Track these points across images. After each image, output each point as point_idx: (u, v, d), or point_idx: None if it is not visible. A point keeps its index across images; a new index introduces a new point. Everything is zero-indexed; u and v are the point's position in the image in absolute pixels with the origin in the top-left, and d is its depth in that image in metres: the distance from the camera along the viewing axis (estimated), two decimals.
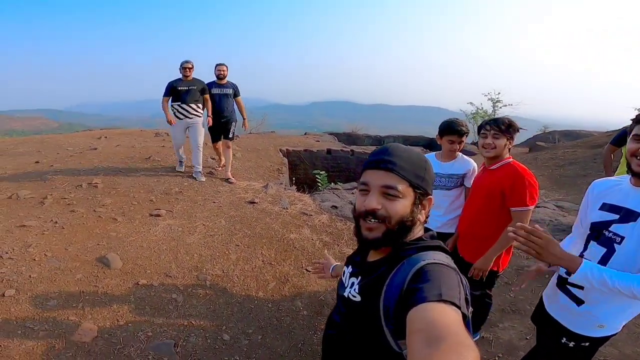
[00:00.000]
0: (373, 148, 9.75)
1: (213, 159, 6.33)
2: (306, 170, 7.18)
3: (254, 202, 4.28)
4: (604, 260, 1.37)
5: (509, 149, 2.06)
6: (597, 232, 1.41)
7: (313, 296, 2.74)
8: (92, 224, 3.45)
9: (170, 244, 3.23)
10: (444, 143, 2.37)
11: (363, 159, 7.64)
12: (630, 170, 1.33)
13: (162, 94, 4.93)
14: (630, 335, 2.40)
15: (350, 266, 1.05)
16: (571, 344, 1.48)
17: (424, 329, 0.63)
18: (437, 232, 1.01)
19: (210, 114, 5.16)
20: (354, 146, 8.41)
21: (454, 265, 0.83)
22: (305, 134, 10.32)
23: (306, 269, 3.07)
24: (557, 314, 1.56)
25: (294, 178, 6.64)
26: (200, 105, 5.00)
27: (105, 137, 7.72)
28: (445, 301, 0.68)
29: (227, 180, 5.16)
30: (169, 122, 4.94)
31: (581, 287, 1.45)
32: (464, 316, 0.69)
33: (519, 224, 1.26)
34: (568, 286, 1.50)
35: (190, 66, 4.87)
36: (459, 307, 0.69)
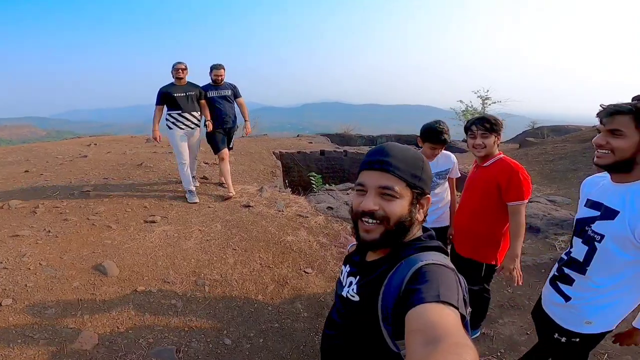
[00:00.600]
0: (366, 148, 9.86)
1: (206, 163, 6.31)
2: (300, 172, 7.20)
3: (249, 206, 4.29)
4: (587, 259, 1.39)
5: (498, 145, 2.12)
6: (581, 229, 1.44)
7: (312, 298, 2.76)
8: (86, 232, 3.43)
9: (166, 250, 3.23)
10: (425, 147, 2.48)
11: (357, 160, 7.68)
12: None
13: (155, 102, 4.34)
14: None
15: (348, 265, 1.06)
16: (563, 339, 1.51)
17: (422, 330, 0.64)
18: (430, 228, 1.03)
19: (209, 119, 4.59)
20: (347, 147, 8.46)
21: (452, 266, 0.83)
22: (297, 135, 10.33)
23: (304, 271, 3.09)
24: (549, 310, 1.60)
25: (287, 181, 6.65)
26: (199, 113, 4.51)
27: (95, 144, 7.66)
28: (443, 302, 0.69)
29: (228, 193, 4.61)
30: (155, 139, 4.36)
31: (569, 283, 1.48)
32: (462, 317, 0.69)
33: None
34: (557, 282, 1.54)
35: (183, 67, 4.33)
36: (457, 308, 0.69)
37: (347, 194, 5.07)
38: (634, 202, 1.25)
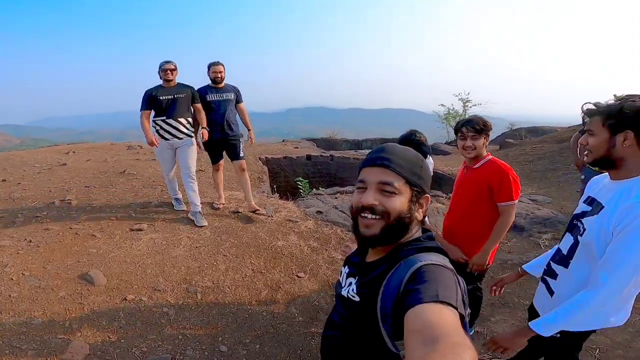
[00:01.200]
0: (352, 152, 9.96)
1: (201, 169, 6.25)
2: (287, 177, 7.20)
3: (238, 212, 4.27)
4: (571, 252, 1.44)
5: (486, 146, 2.19)
6: (572, 223, 1.49)
7: (307, 302, 2.77)
8: (70, 241, 3.34)
9: (155, 257, 3.17)
10: None
11: (343, 164, 7.74)
12: None
13: (140, 107, 3.79)
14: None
15: (347, 266, 1.07)
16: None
17: (421, 330, 0.64)
18: None
19: (204, 125, 3.95)
20: (333, 151, 8.52)
21: (452, 267, 0.84)
22: (283, 141, 10.34)
23: (297, 275, 3.10)
24: (537, 304, 1.65)
25: (275, 186, 6.65)
26: (190, 120, 3.90)
27: (74, 152, 7.47)
28: (442, 302, 0.69)
29: (254, 211, 4.14)
30: (151, 144, 3.74)
31: (554, 277, 1.52)
32: (462, 317, 0.70)
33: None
34: (545, 276, 1.58)
35: (172, 67, 3.74)
36: (455, 308, 0.70)
37: (336, 198, 5.11)
38: (617, 198, 1.30)
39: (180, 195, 4.27)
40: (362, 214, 0.90)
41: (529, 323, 1.42)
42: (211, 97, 4.00)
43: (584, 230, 1.38)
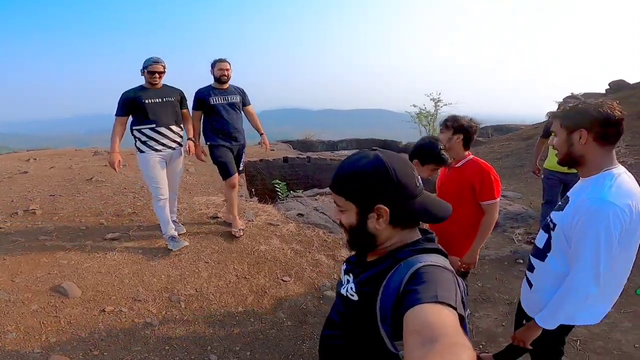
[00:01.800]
0: (328, 153, 10.02)
1: None
2: (264, 180, 7.16)
3: (217, 217, 4.20)
4: (546, 246, 1.54)
5: (463, 145, 2.22)
6: (547, 219, 1.59)
7: (294, 305, 2.78)
8: (38, 253, 3.18)
9: (132, 267, 3.08)
10: (426, 169, 2.23)
11: (320, 165, 7.78)
12: None
13: (116, 112, 3.16)
14: None
15: (346, 264, 1.09)
16: None
17: (420, 330, 0.65)
18: None
19: (191, 136, 3.54)
20: (310, 152, 8.54)
21: (451, 267, 0.86)
22: (259, 143, 10.24)
23: (282, 279, 3.10)
24: (521, 297, 1.75)
25: (252, 189, 6.59)
26: (182, 127, 3.46)
27: (35, 159, 7.08)
28: (441, 303, 0.70)
29: (236, 235, 3.69)
30: (112, 164, 3.17)
31: (532, 271, 1.62)
32: (461, 317, 0.71)
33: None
34: (527, 270, 1.68)
35: (161, 69, 3.16)
36: (455, 309, 0.70)
37: (316, 199, 5.14)
38: (577, 195, 1.44)
39: (176, 233, 3.44)
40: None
41: (535, 318, 1.52)
42: (215, 100, 3.53)
43: (554, 225, 1.49)
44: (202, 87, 3.61)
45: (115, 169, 3.20)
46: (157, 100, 3.21)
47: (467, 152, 2.25)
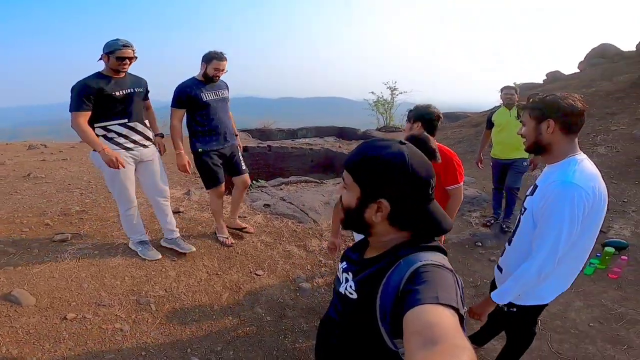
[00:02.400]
0: (289, 141, 9.94)
1: None
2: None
3: (180, 212, 4.04)
4: (515, 230, 1.69)
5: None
6: (522, 207, 1.73)
7: (271, 300, 2.76)
8: None
9: (89, 270, 2.88)
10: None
11: (281, 154, 7.71)
12: None
13: (72, 106, 2.58)
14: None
15: (345, 262, 1.08)
16: (505, 308, 1.73)
17: (421, 331, 0.65)
18: None
19: (158, 132, 3.12)
20: (270, 141, 8.42)
21: (451, 267, 0.86)
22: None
23: (255, 273, 3.07)
24: (496, 279, 1.88)
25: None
26: (148, 123, 3.01)
27: None
28: (442, 304, 0.70)
29: (243, 229, 3.63)
30: (112, 163, 2.58)
31: (503, 254, 1.76)
32: (461, 318, 0.72)
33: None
34: (501, 255, 1.81)
35: (132, 54, 2.64)
36: (456, 310, 0.71)
37: (281, 189, 5.11)
38: (543, 180, 1.57)
39: (146, 237, 3.17)
40: None
41: (490, 294, 1.64)
42: (207, 96, 3.06)
43: (525, 209, 1.63)
44: (184, 80, 3.09)
45: (121, 166, 2.65)
46: (127, 91, 2.74)
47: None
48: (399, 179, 0.86)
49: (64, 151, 6.92)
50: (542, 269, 1.48)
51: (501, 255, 1.80)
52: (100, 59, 2.64)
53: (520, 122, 1.68)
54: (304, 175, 6.30)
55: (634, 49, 11.03)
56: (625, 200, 4.75)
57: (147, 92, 3.03)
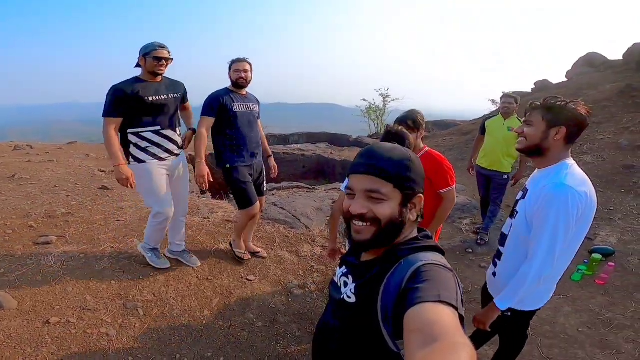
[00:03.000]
0: (281, 147, 9.93)
1: (102, 171, 5.61)
2: (215, 175, 6.89)
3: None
4: (508, 233, 1.69)
5: (422, 139, 2.37)
6: (512, 210, 1.74)
7: (263, 305, 2.73)
8: None
9: (74, 273, 2.82)
10: None
11: (274, 159, 7.65)
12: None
13: (105, 111, 2.47)
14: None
15: (343, 267, 1.08)
16: (500, 312, 1.69)
17: (422, 329, 0.66)
18: None
19: (190, 140, 2.92)
20: None
21: (450, 266, 0.87)
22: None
23: (247, 279, 3.03)
24: (488, 284, 1.89)
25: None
26: (179, 130, 2.85)
27: None
28: (443, 302, 0.71)
29: (257, 253, 3.40)
30: (124, 182, 2.48)
31: (499, 258, 1.75)
32: (461, 317, 0.72)
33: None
34: (495, 258, 1.82)
35: (167, 55, 2.54)
36: (456, 309, 0.72)
37: (273, 194, 5.09)
38: (536, 183, 1.58)
39: (158, 245, 3.02)
40: (353, 221, 0.93)
41: (494, 300, 1.63)
42: (238, 107, 2.91)
43: (517, 213, 1.64)
44: (218, 90, 2.97)
45: (130, 186, 2.51)
46: (163, 97, 2.60)
47: (423, 145, 2.39)
48: (422, 172, 0.96)
49: (50, 152, 6.81)
50: (542, 271, 1.49)
51: (496, 257, 1.79)
52: (137, 65, 2.56)
53: (525, 121, 1.61)
54: (296, 181, 6.29)
55: (621, 57, 11.35)
56: (612, 208, 4.85)
57: (185, 96, 2.87)
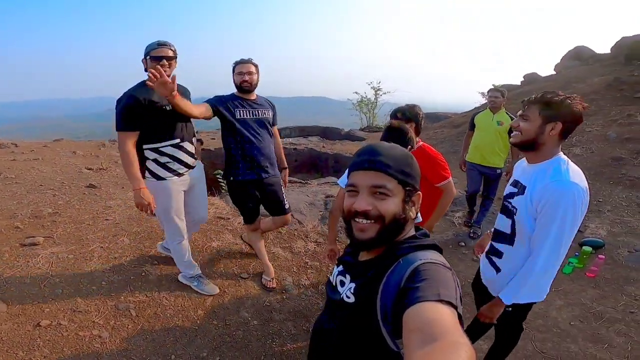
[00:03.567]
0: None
1: (89, 169, 5.50)
2: (205, 170, 6.83)
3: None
4: (513, 231, 1.67)
5: (416, 133, 2.34)
6: (503, 204, 1.75)
7: (257, 303, 2.72)
8: None
9: (63, 274, 2.78)
10: None
11: None
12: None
13: (118, 124, 2.20)
14: None
15: (340, 266, 1.07)
16: None
17: (421, 328, 0.66)
18: None
19: (199, 151, 2.70)
20: None
21: (449, 265, 0.87)
22: (197, 132, 9.73)
23: (240, 276, 3.02)
24: (485, 281, 1.89)
25: None
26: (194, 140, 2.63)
27: None
28: (442, 301, 0.71)
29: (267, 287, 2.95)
30: (143, 207, 2.26)
31: (499, 256, 1.75)
32: (460, 316, 0.73)
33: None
34: (490, 255, 1.82)
35: (170, 54, 2.24)
36: (455, 307, 0.72)
37: None
38: (536, 178, 1.57)
39: (199, 270, 2.84)
40: (356, 219, 0.92)
41: (499, 295, 1.65)
42: (241, 113, 2.62)
43: (516, 209, 1.63)
44: (217, 95, 2.72)
45: (150, 211, 2.29)
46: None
47: (417, 140, 2.39)
48: (418, 170, 0.98)
49: (35, 150, 6.66)
50: (547, 266, 1.52)
51: (494, 255, 1.79)
52: (144, 65, 2.27)
53: (521, 116, 1.61)
54: (288, 175, 6.25)
55: (609, 51, 11.49)
56: (601, 200, 4.93)
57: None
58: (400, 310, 0.76)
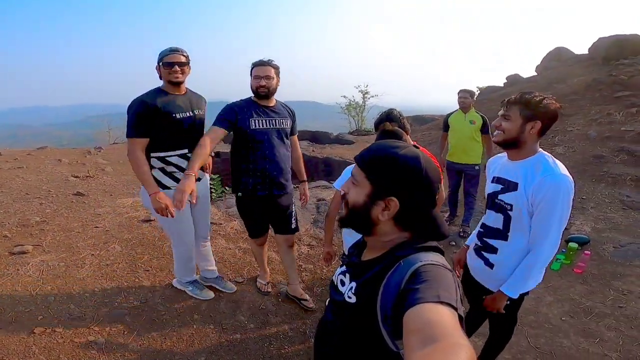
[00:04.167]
0: None
1: (76, 177, 5.43)
2: None
3: (150, 220, 3.93)
4: (506, 226, 1.74)
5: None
6: (491, 201, 1.81)
7: (253, 307, 2.73)
8: None
9: (55, 282, 2.76)
10: None
11: None
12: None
13: (129, 130, 2.17)
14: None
15: (344, 266, 1.09)
16: None
17: (421, 329, 0.66)
18: None
19: (210, 167, 2.70)
20: None
21: (450, 267, 0.87)
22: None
23: (235, 281, 3.03)
24: (478, 277, 1.93)
25: None
26: None
27: None
28: (442, 302, 0.71)
29: (301, 300, 2.82)
30: (162, 211, 2.17)
31: (494, 252, 1.81)
32: (460, 317, 0.73)
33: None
34: (482, 252, 1.87)
35: (183, 59, 2.21)
36: (455, 309, 0.72)
37: None
38: (527, 174, 1.64)
39: (197, 276, 2.85)
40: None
41: (501, 289, 1.72)
42: (256, 123, 2.38)
43: (511, 205, 1.69)
44: (236, 100, 2.47)
45: (171, 214, 2.18)
46: (189, 114, 2.29)
47: (412, 142, 2.43)
48: (413, 180, 0.89)
49: (19, 159, 6.55)
50: (549, 258, 1.62)
51: (487, 251, 1.83)
52: (158, 72, 2.24)
53: (503, 116, 1.68)
54: None
55: (587, 52, 11.80)
56: (584, 197, 5.08)
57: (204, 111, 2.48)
58: (400, 311, 0.76)
